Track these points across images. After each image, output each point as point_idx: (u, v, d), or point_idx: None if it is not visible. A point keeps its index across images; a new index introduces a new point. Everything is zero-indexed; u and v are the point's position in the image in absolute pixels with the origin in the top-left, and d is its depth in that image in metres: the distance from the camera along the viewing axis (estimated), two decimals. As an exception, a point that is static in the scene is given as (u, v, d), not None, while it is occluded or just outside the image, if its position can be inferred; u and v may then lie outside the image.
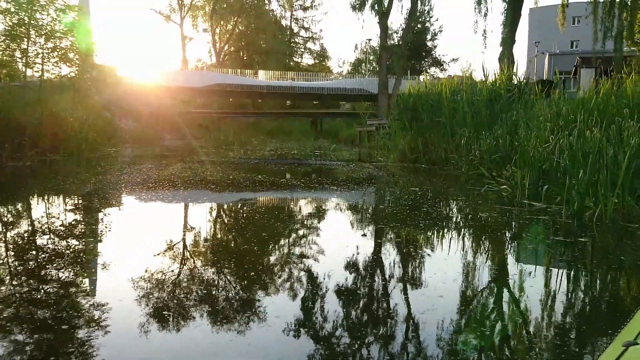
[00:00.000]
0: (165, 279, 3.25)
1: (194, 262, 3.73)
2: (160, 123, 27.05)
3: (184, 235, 4.67)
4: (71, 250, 3.90)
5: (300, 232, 4.90)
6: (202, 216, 5.88)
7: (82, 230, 4.72)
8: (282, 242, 4.49)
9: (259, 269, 3.55)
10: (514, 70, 12.77)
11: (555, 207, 5.68)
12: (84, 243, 4.16)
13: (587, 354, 2.29)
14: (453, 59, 54.41)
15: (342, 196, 7.54)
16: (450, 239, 4.63)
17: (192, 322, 2.56)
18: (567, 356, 2.25)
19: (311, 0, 56.19)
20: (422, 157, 12.17)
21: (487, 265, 3.82)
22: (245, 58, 52.37)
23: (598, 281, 3.48)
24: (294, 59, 58.36)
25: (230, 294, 3.02)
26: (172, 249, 4.11)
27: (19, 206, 6.35)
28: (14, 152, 11.70)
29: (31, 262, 3.54)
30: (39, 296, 2.84)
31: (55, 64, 18.35)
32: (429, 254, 4.07)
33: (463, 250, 4.19)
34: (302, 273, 3.51)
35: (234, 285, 3.20)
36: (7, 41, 16.46)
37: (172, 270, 3.43)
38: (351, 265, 3.68)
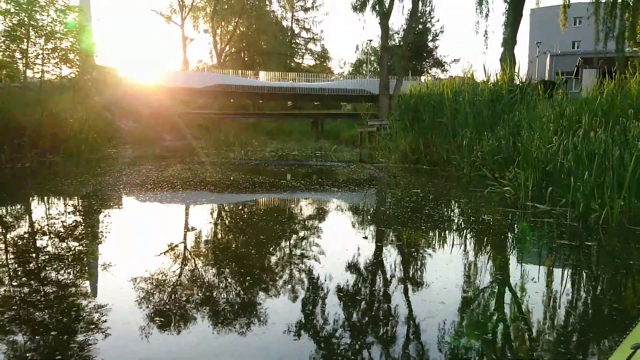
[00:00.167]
0: (164, 280, 3.22)
1: (193, 264, 3.68)
2: (160, 124, 27.00)
3: (183, 237, 4.60)
4: (69, 251, 3.84)
5: (300, 235, 4.82)
6: (201, 218, 5.80)
7: (80, 232, 4.64)
8: (281, 244, 4.41)
9: (258, 271, 3.50)
10: (516, 70, 12.64)
11: (559, 210, 5.59)
12: (81, 245, 4.10)
13: (595, 357, 2.21)
14: (454, 60, 54.50)
15: (342, 198, 7.46)
16: (453, 242, 4.55)
17: (192, 323, 2.57)
18: (576, 365, 2.17)
19: (312, 1, 56.24)
20: (424, 158, 12.09)
21: (490, 269, 3.73)
22: (246, 59, 52.36)
23: (605, 285, 3.39)
24: (295, 59, 58.34)
25: (229, 296, 3.02)
26: (171, 251, 4.05)
27: (17, 207, 6.28)
28: (14, 153, 11.62)
29: (28, 264, 3.47)
30: (37, 298, 2.83)
31: (55, 65, 18.32)
32: (430, 258, 3.99)
33: (466, 254, 4.10)
34: (301, 276, 3.43)
35: (233, 287, 3.17)
36: (7, 42, 16.42)
37: (171, 272, 3.40)
38: (351, 269, 3.60)
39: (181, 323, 2.57)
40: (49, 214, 5.63)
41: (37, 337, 2.32)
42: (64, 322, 2.49)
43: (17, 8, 16.29)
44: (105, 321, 2.51)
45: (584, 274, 3.63)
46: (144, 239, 4.61)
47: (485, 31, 25.30)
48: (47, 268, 3.41)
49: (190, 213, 6.04)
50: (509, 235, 4.99)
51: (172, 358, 2.22)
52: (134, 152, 16.70)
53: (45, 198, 7.09)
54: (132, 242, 4.50)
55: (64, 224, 4.97)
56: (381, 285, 3.33)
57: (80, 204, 6.50)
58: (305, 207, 6.83)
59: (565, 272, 3.65)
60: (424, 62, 52.33)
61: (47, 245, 4.06)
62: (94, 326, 2.45)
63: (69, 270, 3.39)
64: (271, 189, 8.20)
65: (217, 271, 3.52)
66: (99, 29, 39.27)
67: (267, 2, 52.94)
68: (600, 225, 4.83)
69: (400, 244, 4.44)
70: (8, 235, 4.46)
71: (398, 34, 48.27)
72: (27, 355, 2.16)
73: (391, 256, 4.06)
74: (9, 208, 6.20)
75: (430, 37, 52.55)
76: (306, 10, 56.74)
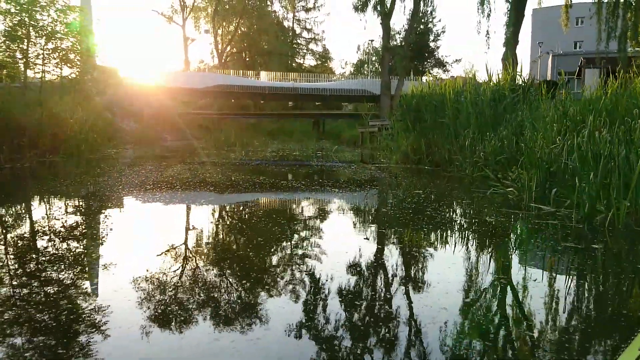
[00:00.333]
0: (163, 281, 3.22)
1: (193, 265, 3.65)
2: (161, 124, 26.96)
3: (183, 237, 4.54)
4: (65, 252, 3.77)
5: (300, 236, 4.74)
6: (201, 218, 5.73)
7: (77, 233, 4.57)
8: (281, 245, 4.33)
9: (258, 271, 3.45)
10: (519, 70, 12.54)
11: (564, 211, 5.49)
12: (78, 245, 4.04)
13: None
14: (456, 60, 54.24)
15: (343, 199, 7.38)
16: (455, 245, 4.45)
17: (192, 323, 2.58)
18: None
19: (313, 2, 56.18)
20: (425, 158, 12.00)
21: (493, 273, 3.64)
22: (247, 59, 52.34)
23: (613, 289, 3.29)
24: (297, 60, 58.29)
25: (229, 296, 3.02)
26: (171, 251, 4.00)
27: (14, 208, 6.20)
28: (13, 153, 11.57)
29: (25, 265, 3.40)
30: (36, 298, 2.83)
31: (56, 65, 18.28)
32: (432, 261, 3.90)
33: (468, 257, 4.01)
34: (301, 277, 3.35)
35: (234, 287, 3.16)
36: (7, 42, 16.38)
37: (171, 273, 3.38)
38: (351, 271, 3.51)
39: (181, 323, 2.57)
40: (47, 215, 5.56)
41: (37, 337, 2.33)
42: (64, 323, 2.50)
43: (18, 8, 16.24)
44: (105, 322, 2.52)
45: (591, 278, 3.54)
46: (143, 239, 4.55)
47: (487, 31, 25.25)
48: (43, 268, 3.37)
49: (190, 213, 5.97)
50: (513, 237, 4.90)
51: (173, 358, 2.23)
52: (134, 153, 16.64)
53: (44, 199, 7.02)
54: (131, 242, 4.45)
55: (62, 224, 4.90)
56: (381, 289, 3.24)
57: (78, 204, 6.43)
58: (306, 208, 6.75)
59: (572, 276, 3.56)
60: (425, 62, 52.25)
61: (44, 246, 4.01)
62: (93, 327, 2.46)
63: (66, 271, 3.36)
64: (271, 190, 8.12)
65: (217, 272, 3.51)
66: (99, 29, 39.31)
67: (269, 3, 52.95)
68: (607, 227, 4.73)
69: (401, 246, 4.36)
70: (4, 236, 4.38)
71: (399, 34, 48.25)
72: (28, 355, 2.17)
73: (392, 258, 3.97)
74: (6, 208, 6.13)
75: (431, 37, 52.51)
76: (307, 10, 56.71)
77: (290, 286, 3.23)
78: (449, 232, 4.98)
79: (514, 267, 3.79)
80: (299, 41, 58.78)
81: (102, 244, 4.26)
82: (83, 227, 4.93)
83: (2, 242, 4.18)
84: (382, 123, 20.58)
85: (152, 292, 3.03)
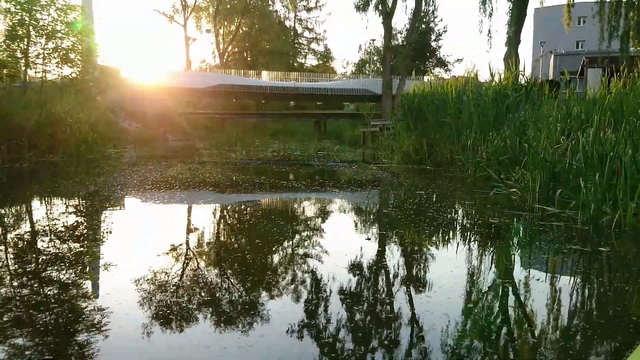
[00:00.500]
0: (163, 281, 3.21)
1: (192, 265, 3.62)
2: (163, 124, 26.87)
3: (182, 238, 4.48)
4: (61, 252, 3.70)
5: (298, 238, 4.65)
6: (201, 219, 5.64)
7: (72, 233, 4.49)
8: (278, 248, 4.24)
9: (258, 272, 3.40)
10: (524, 69, 12.47)
11: (569, 212, 5.39)
12: (75, 246, 3.96)
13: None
14: (457, 60, 53.95)
15: (343, 200, 7.29)
16: (458, 248, 4.36)
17: (192, 323, 2.59)
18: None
19: (315, 1, 56.05)
20: (427, 158, 11.90)
21: (497, 278, 3.54)
22: (249, 59, 52.25)
23: (622, 294, 3.20)
24: (298, 59, 58.18)
25: (229, 297, 3.01)
26: (171, 252, 3.95)
27: (10, 208, 6.12)
28: (12, 153, 11.50)
29: (20, 265, 3.32)
30: (36, 299, 2.83)
31: (56, 65, 18.21)
32: (434, 265, 3.81)
33: (471, 261, 3.92)
34: (298, 282, 3.26)
35: (234, 287, 3.16)
36: (7, 41, 16.32)
37: (171, 273, 3.37)
38: (350, 276, 3.42)
39: (181, 323, 2.58)
40: (43, 215, 5.49)
41: (38, 337, 2.34)
42: (65, 323, 2.51)
43: (18, 7, 16.19)
44: (106, 322, 2.53)
45: (598, 282, 3.44)
46: (141, 240, 4.49)
47: (489, 30, 25.11)
48: (39, 269, 3.31)
49: (189, 214, 5.89)
50: (518, 240, 4.80)
51: (173, 358, 2.24)
52: (135, 152, 16.57)
53: (40, 199, 6.95)
54: (128, 243, 4.38)
55: (58, 224, 4.83)
56: (381, 293, 3.15)
57: (75, 204, 6.36)
58: (305, 209, 6.66)
59: (578, 280, 3.46)
60: (427, 62, 52.10)
61: (39, 246, 3.94)
62: (96, 327, 2.47)
63: (62, 271, 3.34)
64: (272, 190, 8.04)
65: (216, 272, 3.50)
66: (100, 29, 39.24)
67: (270, 2, 52.83)
68: (613, 229, 4.63)
69: (402, 249, 4.27)
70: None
71: (401, 33, 48.15)
72: (28, 355, 2.17)
73: (393, 262, 3.88)
74: (2, 209, 6.05)
75: (433, 37, 52.37)
76: (309, 10, 56.57)
77: (289, 288, 3.17)
78: (451, 234, 4.89)
79: (518, 271, 3.69)
80: (300, 41, 58.68)
81: (99, 244, 4.20)
82: (79, 227, 4.85)
83: (-4, 244, 4.11)
84: (383, 123, 20.48)
85: (152, 292, 3.02)
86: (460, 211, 6.41)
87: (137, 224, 5.35)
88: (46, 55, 17.66)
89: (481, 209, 6.36)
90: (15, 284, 3.11)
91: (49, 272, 3.34)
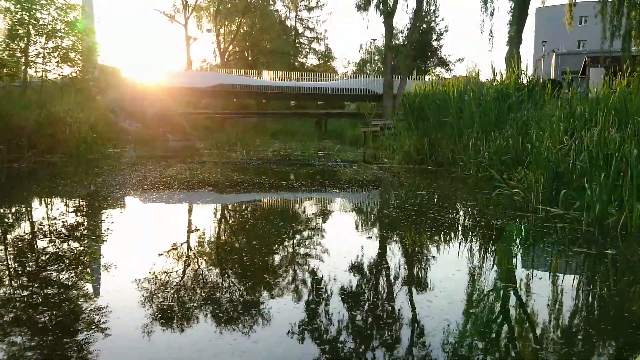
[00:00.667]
0: (163, 281, 3.20)
1: (192, 265, 3.60)
2: (163, 124, 26.79)
3: (182, 238, 4.41)
4: (57, 252, 3.62)
5: (298, 240, 4.56)
6: (200, 219, 5.56)
7: (68, 233, 4.41)
8: (277, 249, 4.15)
9: (257, 272, 3.35)
10: (525, 69, 12.34)
11: (573, 214, 5.29)
12: (70, 246, 3.88)
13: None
14: (459, 59, 53.83)
15: (344, 200, 7.21)
16: (460, 250, 4.27)
17: (192, 323, 2.58)
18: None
19: (316, 1, 55.93)
20: (429, 158, 11.81)
21: (500, 281, 3.44)
22: (249, 58, 52.17)
23: (631, 299, 3.10)
24: (299, 59, 58.06)
25: (229, 296, 3.01)
26: (170, 252, 3.92)
27: (5, 208, 6.04)
28: (11, 153, 11.44)
29: (17, 265, 3.24)
30: (36, 299, 2.82)
31: (57, 64, 18.13)
32: (436, 268, 3.72)
33: (474, 264, 3.83)
34: (300, 281, 3.18)
35: (234, 287, 3.15)
36: (7, 41, 16.26)
37: (170, 274, 3.35)
38: (348, 279, 3.33)
39: (181, 323, 2.57)
40: (40, 216, 5.41)
41: (38, 337, 2.32)
42: (66, 323, 2.50)
43: (18, 6, 16.12)
44: (106, 322, 2.53)
45: (604, 286, 3.34)
46: (138, 240, 4.43)
47: (490, 30, 25.15)
48: (36, 269, 3.26)
49: (189, 214, 5.82)
50: (521, 242, 4.70)
51: (173, 358, 2.23)
52: (135, 152, 16.49)
53: (37, 199, 6.88)
54: (126, 243, 4.31)
55: (54, 224, 4.75)
56: (380, 297, 3.07)
57: (72, 204, 6.28)
58: (306, 210, 6.58)
59: (585, 285, 3.37)
60: (428, 62, 51.98)
61: (36, 246, 3.86)
62: (96, 327, 2.47)
63: (59, 271, 3.30)
64: (272, 190, 7.95)
65: (216, 272, 3.48)
66: (100, 28, 39.13)
67: (271, 2, 52.74)
68: (619, 231, 4.53)
69: (403, 251, 4.18)
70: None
71: (402, 33, 48.04)
72: (29, 355, 2.16)
73: (394, 264, 3.79)
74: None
75: (434, 36, 52.23)
76: (310, 9, 56.46)
77: (287, 291, 3.11)
78: (452, 235, 4.80)
79: (521, 275, 3.58)
80: (301, 40, 58.56)
81: (95, 244, 4.14)
82: (75, 227, 4.78)
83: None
84: (384, 122, 20.39)
85: (152, 292, 3.01)
86: (462, 212, 6.32)
87: (134, 225, 5.27)
88: (46, 54, 17.60)
89: (483, 209, 6.27)
90: (12, 284, 3.08)
91: (45, 272, 3.30)
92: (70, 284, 3.13)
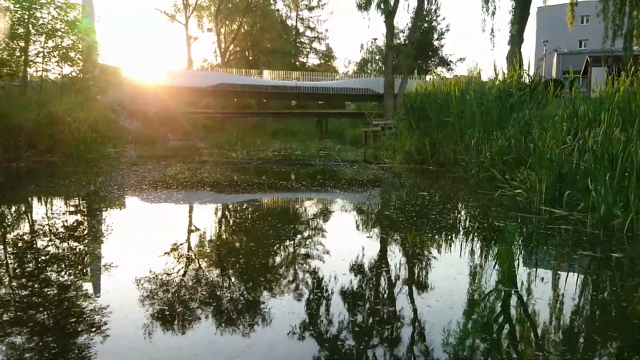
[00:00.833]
0: (162, 281, 3.19)
1: (190, 265, 3.57)
2: (164, 123, 26.74)
3: (180, 238, 4.35)
4: (54, 252, 3.55)
5: (296, 242, 4.47)
6: (198, 220, 5.47)
7: (64, 233, 4.33)
8: (274, 251, 4.06)
9: (256, 272, 3.30)
10: (527, 68, 12.23)
11: (577, 215, 5.20)
12: (66, 246, 3.80)
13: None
14: (460, 59, 53.72)
15: (343, 201, 7.12)
16: (462, 253, 4.18)
17: (192, 323, 2.57)
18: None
19: (317, 0, 55.83)
20: (430, 158, 11.73)
21: (503, 286, 3.34)
22: (250, 58, 52.11)
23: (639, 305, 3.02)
24: (300, 59, 57.97)
25: (228, 296, 2.99)
26: (170, 252, 3.88)
27: (2, 209, 5.96)
28: (10, 153, 11.37)
29: (13, 265, 3.17)
30: (33, 299, 2.81)
31: (57, 64, 18.06)
32: (437, 271, 3.63)
33: (476, 267, 3.74)
34: (292, 291, 3.09)
35: (233, 287, 3.13)
36: (6, 40, 16.19)
37: (169, 274, 3.34)
38: (346, 282, 3.24)
39: (181, 323, 2.56)
40: (36, 216, 5.33)
41: (38, 338, 2.31)
42: (66, 323, 2.49)
43: (17, 6, 16.05)
44: (106, 322, 2.51)
45: (612, 291, 3.24)
46: (136, 241, 4.34)
47: (492, 29, 25.03)
48: (32, 269, 3.19)
49: (187, 215, 5.75)
50: (525, 244, 4.58)
51: (173, 358, 2.22)
52: (135, 152, 16.42)
53: (34, 199, 6.80)
54: (124, 244, 4.23)
55: (50, 225, 4.67)
56: (379, 302, 2.97)
57: (69, 205, 6.19)
58: (305, 211, 6.50)
59: (590, 289, 3.28)
60: (429, 61, 51.88)
61: (30, 246, 3.78)
62: (96, 328, 2.45)
63: (55, 271, 3.27)
64: (271, 190, 7.87)
65: (216, 272, 3.46)
66: (101, 28, 39.14)
67: (272, 1, 52.68)
68: (625, 233, 4.44)
69: (403, 254, 4.09)
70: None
71: (403, 32, 47.94)
72: (29, 355, 2.15)
73: (393, 267, 3.70)
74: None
75: (435, 36, 52.14)
76: (311, 9, 56.36)
77: (286, 291, 3.05)
78: (455, 238, 4.71)
79: (525, 279, 3.46)
80: (302, 40, 58.46)
81: (92, 244, 4.07)
82: (72, 227, 4.70)
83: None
84: (385, 122, 20.31)
85: (152, 292, 3.00)
86: (464, 213, 6.23)
87: (132, 225, 5.18)
88: (46, 53, 17.54)
89: (486, 211, 6.18)
90: (8, 284, 3.06)
91: (41, 272, 3.25)
92: (67, 284, 3.08)
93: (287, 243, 4.42)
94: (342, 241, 4.63)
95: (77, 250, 3.94)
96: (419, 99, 13.09)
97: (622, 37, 22.51)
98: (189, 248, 4.14)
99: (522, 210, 5.87)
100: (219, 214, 6.00)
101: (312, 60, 59.97)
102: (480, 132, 9.98)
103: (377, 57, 54.90)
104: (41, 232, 4.55)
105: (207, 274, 3.41)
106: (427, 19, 49.02)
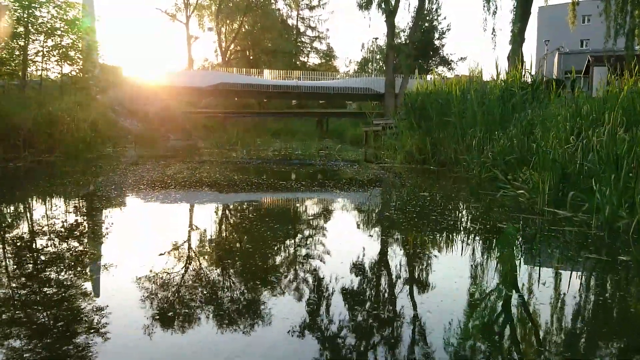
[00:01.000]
0: (160, 281, 3.16)
1: (189, 265, 3.53)
2: (164, 123, 26.66)
3: (178, 238, 4.27)
4: (51, 252, 3.47)
5: (294, 244, 4.38)
6: (197, 221, 5.38)
7: (61, 233, 4.25)
8: (275, 251, 3.97)
9: (255, 272, 3.21)
10: (528, 68, 12.14)
11: (582, 216, 5.10)
12: (64, 245, 3.73)
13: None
14: (461, 58, 53.59)
15: (343, 202, 7.03)
16: (464, 255, 4.09)
17: (191, 323, 2.55)
18: None
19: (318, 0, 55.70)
20: (431, 158, 11.63)
21: (506, 291, 3.24)
22: (251, 57, 52.03)
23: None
24: (301, 58, 57.87)
25: (228, 296, 2.98)
26: (169, 252, 3.83)
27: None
28: (8, 153, 11.31)
29: (11, 265, 3.09)
30: (31, 299, 2.74)
31: (56, 63, 18.00)
32: (437, 274, 3.53)
33: (478, 271, 3.64)
34: (293, 288, 3.00)
35: (232, 287, 3.12)
36: (5, 39, 16.13)
37: (168, 273, 3.31)
38: (344, 285, 3.15)
39: (181, 323, 2.54)
40: (30, 216, 5.25)
41: (37, 338, 2.29)
42: (66, 323, 2.47)
43: (16, 4, 15.99)
44: (106, 322, 2.49)
45: (621, 297, 3.14)
46: (136, 241, 4.26)
47: (493, 29, 24.80)
48: (28, 269, 3.11)
49: (187, 215, 5.67)
50: (528, 247, 4.48)
51: (173, 358, 2.20)
52: (136, 152, 16.33)
53: (30, 199, 6.72)
54: (123, 244, 4.16)
55: (44, 225, 4.59)
56: (376, 308, 2.87)
57: (64, 205, 6.11)
58: (304, 212, 6.41)
59: (596, 294, 3.18)
60: (430, 61, 51.77)
61: (26, 246, 3.69)
62: (95, 327, 2.44)
63: (52, 271, 3.23)
64: (270, 190, 7.78)
65: (216, 272, 3.44)
66: (101, 27, 39.11)
67: (272, 0, 52.59)
68: (631, 235, 4.34)
69: (403, 257, 3.99)
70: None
71: (404, 31, 47.73)
72: (28, 355, 2.13)
73: (393, 270, 3.61)
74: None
75: (436, 35, 52.01)
76: (311, 8, 56.25)
77: (286, 291, 2.99)
78: (456, 240, 4.61)
79: (529, 283, 3.34)
80: (303, 39, 58.34)
81: (89, 245, 4.01)
82: (68, 227, 4.61)
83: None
84: (386, 122, 20.23)
85: (150, 292, 2.99)
86: (465, 214, 6.14)
87: (129, 225, 5.10)
88: (45, 52, 17.47)
89: (488, 211, 6.08)
90: (6, 284, 3.04)
91: (38, 272, 3.20)
92: (65, 283, 3.05)
93: (286, 244, 4.33)
94: (342, 242, 4.54)
95: (75, 250, 3.87)
96: (420, 98, 13.01)
97: (624, 37, 22.40)
98: (188, 248, 4.08)
99: (524, 211, 5.77)
100: (219, 214, 5.91)
101: (313, 59, 59.92)
102: (481, 132, 9.88)
103: (378, 57, 54.79)
104: (35, 232, 4.47)
105: (206, 273, 3.38)
106: (428, 18, 48.90)
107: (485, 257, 4.07)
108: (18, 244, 4.08)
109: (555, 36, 43.70)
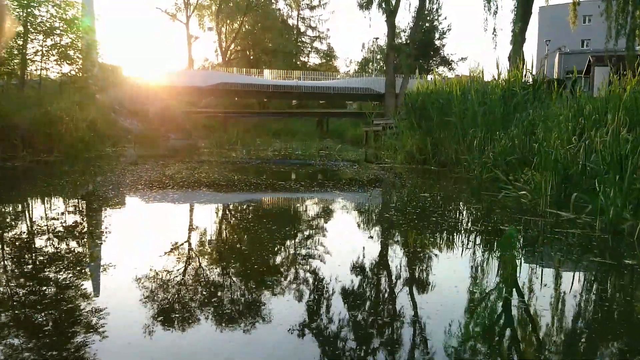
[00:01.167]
0: (159, 281, 3.15)
1: (188, 265, 3.51)
2: (165, 123, 26.61)
3: (177, 238, 4.22)
4: (49, 252, 3.40)
5: (292, 245, 4.31)
6: (196, 221, 5.32)
7: (58, 233, 4.18)
8: (274, 251, 3.90)
9: (255, 273, 3.18)
10: (529, 68, 12.07)
11: (585, 218, 5.03)
12: (62, 245, 3.66)
13: None
14: (462, 58, 53.50)
15: (343, 202, 6.96)
16: (465, 258, 4.01)
17: (191, 323, 2.53)
18: None
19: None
20: (431, 158, 11.57)
21: (508, 296, 3.15)
22: (251, 57, 51.97)
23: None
24: (301, 58, 57.78)
25: (227, 296, 2.96)
26: (169, 252, 3.79)
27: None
28: (5, 153, 11.24)
29: (9, 266, 3.03)
30: (30, 299, 2.72)
31: (56, 62, 17.94)
32: (437, 278, 3.44)
33: (478, 275, 3.56)
34: (293, 288, 2.93)
35: (231, 287, 3.09)
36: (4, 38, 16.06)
37: (167, 273, 3.28)
38: (342, 287, 3.08)
39: (180, 323, 2.53)
40: (25, 216, 5.18)
41: (37, 338, 2.28)
42: (65, 323, 2.46)
43: (15, 3, 15.94)
44: (105, 322, 2.48)
45: (628, 302, 3.06)
46: (135, 240, 4.21)
47: (494, 29, 24.74)
48: (25, 269, 3.05)
49: (187, 215, 5.60)
50: (531, 250, 4.39)
51: (173, 357, 2.19)
52: (136, 151, 16.26)
53: (27, 199, 6.65)
54: (122, 243, 4.11)
55: (41, 225, 4.52)
56: (372, 314, 2.80)
57: (60, 205, 6.04)
58: (303, 212, 6.34)
59: (604, 300, 3.11)
60: (430, 61, 51.70)
61: (24, 246, 3.61)
62: (94, 327, 2.42)
63: (49, 271, 3.18)
64: (270, 190, 7.71)
65: (216, 272, 3.42)
66: (101, 26, 38.97)
67: (273, 0, 52.51)
68: (636, 238, 4.25)
69: (403, 258, 3.92)
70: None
71: (405, 31, 47.67)
72: (28, 355, 2.12)
73: (392, 272, 3.54)
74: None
75: (437, 35, 51.92)
76: (312, 8, 56.16)
77: (286, 291, 2.95)
78: (457, 242, 4.54)
79: (532, 288, 3.25)
80: (303, 39, 58.25)
81: (89, 244, 3.99)
82: (64, 228, 4.54)
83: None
84: (386, 122, 20.17)
85: (149, 292, 2.97)
86: (466, 215, 6.06)
87: (128, 225, 5.02)
88: (44, 52, 17.42)
89: (489, 213, 6.01)
90: (4, 284, 3.02)
91: (37, 272, 3.17)
92: (64, 283, 3.02)
93: (285, 244, 4.26)
94: (342, 243, 4.47)
95: (73, 250, 3.83)
96: (421, 98, 12.95)
97: (625, 37, 22.34)
98: (187, 248, 4.04)
99: (526, 212, 5.70)
100: (218, 214, 5.85)
101: (313, 59, 59.83)
102: (482, 132, 9.82)
103: (378, 57, 54.70)
104: (33, 232, 4.40)
105: (206, 273, 3.34)
106: (428, 18, 48.83)
107: (487, 259, 3.99)
108: (16, 244, 4.01)
109: (556, 36, 43.62)
